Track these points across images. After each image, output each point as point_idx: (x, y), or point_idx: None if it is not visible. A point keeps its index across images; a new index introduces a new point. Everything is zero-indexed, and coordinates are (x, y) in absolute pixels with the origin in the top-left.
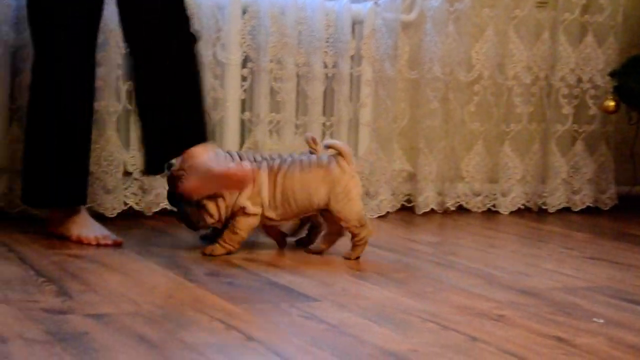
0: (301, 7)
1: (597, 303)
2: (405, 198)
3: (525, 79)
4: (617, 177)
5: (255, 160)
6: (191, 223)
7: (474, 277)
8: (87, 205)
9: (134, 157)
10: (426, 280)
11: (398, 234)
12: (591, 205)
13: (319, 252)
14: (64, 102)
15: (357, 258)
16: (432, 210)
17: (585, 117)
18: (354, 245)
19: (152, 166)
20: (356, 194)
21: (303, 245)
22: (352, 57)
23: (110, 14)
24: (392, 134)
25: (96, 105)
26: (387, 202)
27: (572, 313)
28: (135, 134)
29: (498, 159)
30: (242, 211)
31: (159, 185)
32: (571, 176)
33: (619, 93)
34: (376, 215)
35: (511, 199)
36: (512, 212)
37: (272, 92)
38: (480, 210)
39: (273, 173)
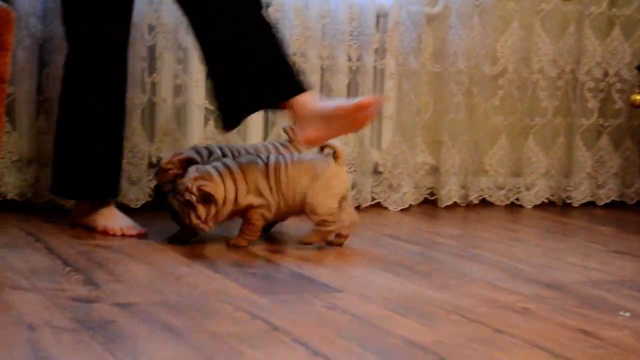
0: (325, 0)
1: (622, 297)
2: (428, 191)
3: (551, 72)
4: None
5: (237, 154)
6: (176, 216)
7: (497, 270)
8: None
9: (158, 149)
10: (450, 272)
11: (421, 227)
12: (616, 199)
13: (310, 242)
14: (97, 97)
15: (309, 244)
16: (455, 203)
17: (611, 111)
18: (315, 231)
19: (237, 118)
20: (335, 194)
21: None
22: (376, 50)
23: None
24: (416, 127)
25: None
26: (409, 195)
27: (597, 306)
28: (159, 125)
29: (522, 153)
30: (249, 207)
31: None
32: (596, 170)
33: None
34: (399, 208)
35: (535, 193)
36: (535, 206)
37: None
38: (503, 204)
39: (264, 169)
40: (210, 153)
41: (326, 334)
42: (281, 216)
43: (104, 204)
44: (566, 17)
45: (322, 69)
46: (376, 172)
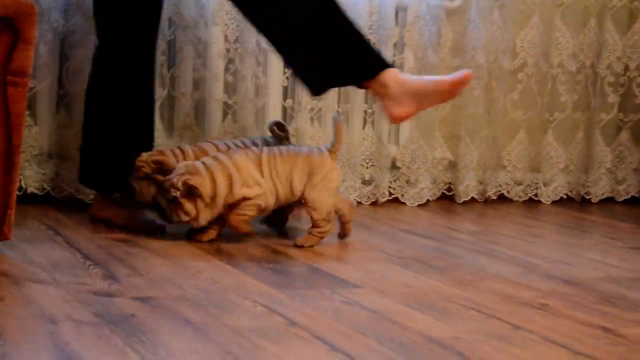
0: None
1: None
2: (446, 186)
3: (571, 67)
4: None
5: (227, 146)
6: (164, 214)
7: (515, 266)
8: None
9: (177, 143)
10: (467, 268)
11: (438, 222)
12: (635, 195)
13: (311, 246)
14: (125, 92)
15: (310, 247)
16: (473, 199)
17: (631, 105)
18: (311, 235)
19: (324, 86)
20: (334, 187)
21: (271, 224)
22: (395, 45)
23: None
24: (434, 121)
25: None
26: (427, 190)
27: (617, 303)
28: (178, 119)
29: (541, 148)
30: (243, 200)
31: None
32: (615, 166)
33: None
34: (416, 204)
35: (553, 189)
36: (554, 202)
37: None
38: (521, 200)
39: (257, 161)
40: (183, 152)
41: (344, 329)
42: (281, 204)
43: (125, 197)
44: (587, 11)
45: None
46: (394, 167)
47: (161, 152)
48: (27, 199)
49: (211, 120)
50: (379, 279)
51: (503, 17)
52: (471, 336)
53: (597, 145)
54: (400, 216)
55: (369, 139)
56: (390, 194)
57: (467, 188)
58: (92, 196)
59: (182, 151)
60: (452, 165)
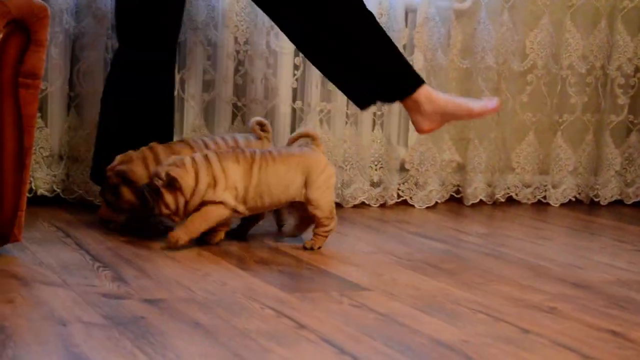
0: None
1: None
2: (454, 189)
3: (581, 68)
4: None
5: (206, 145)
6: (147, 204)
7: (524, 269)
8: None
9: None
10: (476, 271)
11: (447, 224)
12: None
13: (294, 235)
14: (144, 94)
15: (319, 248)
16: (481, 201)
17: None
18: (318, 236)
19: (367, 103)
20: (333, 183)
21: (236, 236)
22: (404, 46)
23: None
24: None
25: None
26: (435, 192)
27: (626, 307)
28: (188, 121)
29: (550, 150)
30: (221, 204)
31: None
32: (625, 168)
33: None
34: (425, 206)
35: (562, 191)
36: (562, 204)
37: (324, 81)
38: (530, 202)
39: (247, 165)
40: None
41: (352, 332)
42: (264, 210)
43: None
44: (597, 12)
45: None
46: (403, 169)
47: (129, 159)
48: (37, 201)
49: (220, 122)
50: (388, 281)
51: (513, 19)
52: (480, 339)
53: (607, 147)
54: (409, 218)
55: (378, 141)
56: (399, 196)
57: (476, 190)
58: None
59: (154, 153)
60: (461, 168)
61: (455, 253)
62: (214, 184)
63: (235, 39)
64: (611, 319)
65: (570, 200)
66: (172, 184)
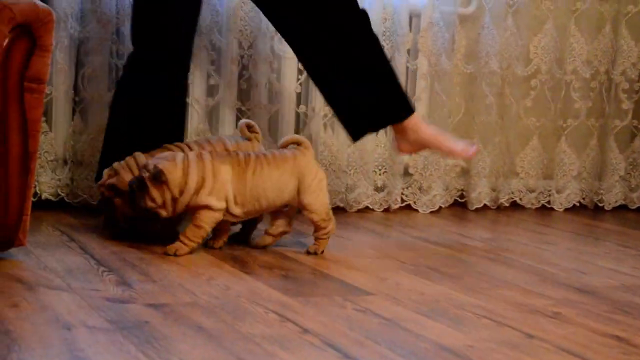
0: (358, 1)
1: None
2: (458, 193)
3: (585, 73)
4: None
5: (201, 146)
6: (134, 198)
7: (528, 274)
8: None
9: None
10: (480, 276)
11: (451, 229)
12: None
13: (264, 247)
14: (156, 100)
15: (322, 252)
16: (485, 206)
17: None
18: (319, 239)
19: (360, 134)
20: (325, 185)
21: (239, 240)
22: (408, 51)
23: None
24: (447, 128)
25: None
26: (439, 197)
27: (630, 312)
28: (192, 126)
29: (554, 155)
30: (207, 208)
31: None
32: (629, 173)
33: None
34: (428, 210)
35: (566, 196)
36: (567, 209)
37: None
38: (534, 207)
39: (241, 168)
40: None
41: (356, 336)
42: (259, 214)
43: None
44: (602, 17)
45: None
46: (406, 173)
47: (115, 171)
48: (41, 205)
49: (225, 127)
50: (392, 286)
51: (517, 23)
52: (484, 344)
53: (611, 152)
54: (413, 223)
55: (382, 145)
56: (403, 200)
57: (480, 195)
58: None
59: (138, 162)
60: (465, 172)
61: (459, 258)
62: (201, 185)
63: (240, 43)
64: (615, 324)
65: (574, 205)
66: (159, 177)
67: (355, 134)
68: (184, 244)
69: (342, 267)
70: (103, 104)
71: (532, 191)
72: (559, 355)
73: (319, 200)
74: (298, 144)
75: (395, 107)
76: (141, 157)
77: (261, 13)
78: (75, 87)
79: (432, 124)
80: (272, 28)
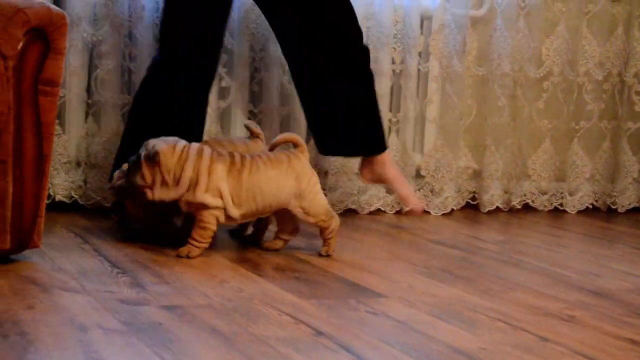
0: (369, 3)
1: None
2: (470, 195)
3: (597, 75)
4: None
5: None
6: (129, 173)
7: (542, 277)
8: None
9: None
10: (493, 278)
11: (463, 231)
12: None
13: (276, 250)
14: (177, 105)
15: (333, 251)
16: (498, 208)
17: None
18: (326, 239)
19: (330, 153)
20: (319, 187)
21: (250, 242)
22: (419, 53)
23: None
24: (459, 130)
25: None
26: (451, 199)
27: None
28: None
29: (566, 157)
30: (203, 206)
31: None
32: None
33: None
34: (440, 213)
35: (579, 198)
36: (579, 212)
37: None
38: (546, 209)
39: (236, 169)
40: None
41: (370, 339)
42: (256, 216)
43: None
44: (614, 19)
45: None
46: (418, 176)
47: (124, 173)
48: (55, 207)
49: (236, 129)
50: (405, 288)
51: (529, 25)
52: (497, 347)
53: (624, 154)
54: (425, 225)
55: (394, 147)
56: None
57: (492, 197)
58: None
59: None
60: (477, 174)
61: (471, 260)
62: (195, 183)
63: (251, 46)
64: (630, 327)
65: (587, 207)
66: (153, 157)
67: (326, 151)
68: (194, 246)
69: (355, 269)
70: (116, 107)
71: (544, 193)
72: (573, 358)
73: (314, 204)
74: (294, 144)
75: (372, 142)
76: None
77: None
78: (88, 90)
79: (443, 126)
80: None
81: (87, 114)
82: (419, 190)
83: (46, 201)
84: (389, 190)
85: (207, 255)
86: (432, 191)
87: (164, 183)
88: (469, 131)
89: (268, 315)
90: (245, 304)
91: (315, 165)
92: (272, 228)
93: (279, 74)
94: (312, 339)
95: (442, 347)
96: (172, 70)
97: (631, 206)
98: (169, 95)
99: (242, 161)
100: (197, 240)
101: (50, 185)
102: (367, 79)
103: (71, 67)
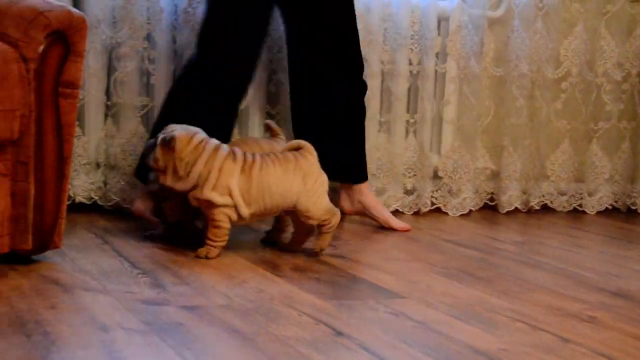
0: (387, 4)
1: None
2: (488, 196)
3: (616, 76)
4: None
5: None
6: (147, 153)
7: (561, 277)
8: None
9: None
10: (512, 279)
11: (481, 232)
12: None
13: (294, 251)
14: (209, 105)
15: (327, 246)
16: (516, 209)
17: None
18: (322, 233)
19: None
20: (325, 190)
21: (268, 241)
22: (437, 54)
23: None
24: (476, 131)
25: None
26: (469, 200)
27: None
28: None
29: (585, 158)
30: (211, 204)
31: None
32: None
33: None
34: (459, 214)
35: (598, 199)
36: (599, 212)
37: None
38: (565, 210)
39: (247, 167)
40: None
41: (390, 339)
42: (265, 216)
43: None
44: (633, 19)
45: (382, 73)
46: (436, 177)
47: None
48: (75, 208)
49: (254, 130)
50: (424, 289)
51: (547, 26)
52: (518, 348)
53: None
54: (443, 226)
55: (411, 148)
56: (433, 203)
57: (511, 198)
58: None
59: None
60: (495, 175)
61: (490, 261)
62: (205, 179)
63: (269, 47)
64: None
65: (606, 208)
66: (168, 142)
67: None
68: (211, 246)
69: (374, 270)
70: (134, 109)
71: (563, 194)
72: (595, 359)
73: (316, 206)
74: (304, 149)
75: (353, 170)
76: None
77: None
78: (107, 92)
79: (461, 127)
80: None
81: (106, 116)
82: (436, 190)
83: (66, 202)
84: (407, 192)
85: (226, 256)
86: (450, 192)
87: (175, 171)
88: (487, 132)
89: (288, 315)
90: (265, 304)
91: None
92: (290, 229)
93: None
94: (332, 339)
95: (461, 348)
96: (208, 73)
97: None
98: (202, 98)
99: (253, 160)
100: (212, 240)
101: (70, 186)
102: (360, 112)
103: (90, 69)
